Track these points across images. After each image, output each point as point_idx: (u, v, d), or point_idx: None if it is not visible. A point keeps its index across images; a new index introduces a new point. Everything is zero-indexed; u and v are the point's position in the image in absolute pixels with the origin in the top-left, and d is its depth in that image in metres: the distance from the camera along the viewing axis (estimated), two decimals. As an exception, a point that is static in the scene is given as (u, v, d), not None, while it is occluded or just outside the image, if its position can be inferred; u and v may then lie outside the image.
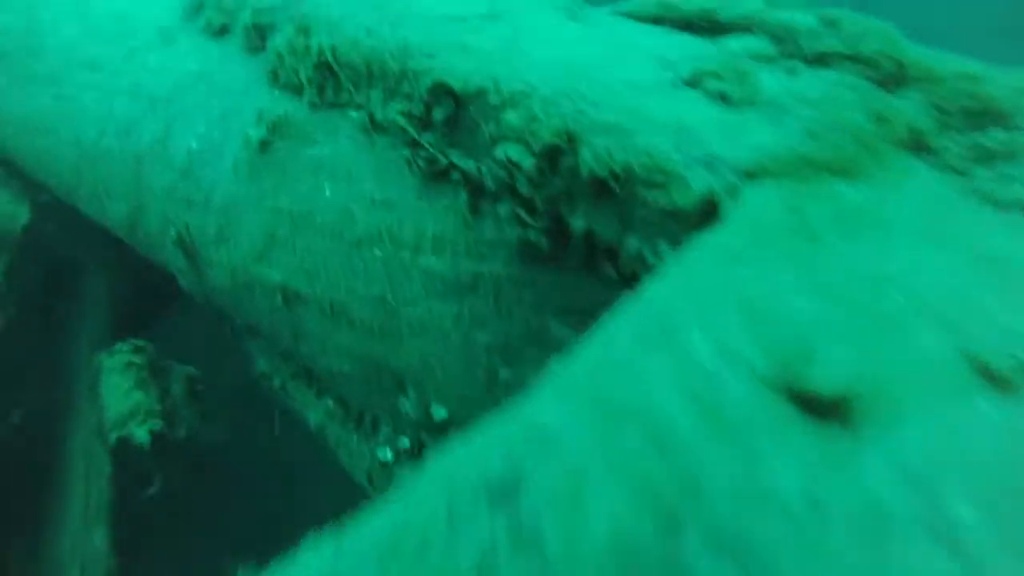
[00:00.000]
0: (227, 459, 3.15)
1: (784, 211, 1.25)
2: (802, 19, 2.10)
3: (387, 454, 2.42)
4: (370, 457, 2.45)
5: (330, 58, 2.04)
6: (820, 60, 2.01)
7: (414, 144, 1.90)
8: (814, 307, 1.03)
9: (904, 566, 0.74)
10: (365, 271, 2.05)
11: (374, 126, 2.02)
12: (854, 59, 1.94)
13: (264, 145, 2.17)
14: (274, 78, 2.22)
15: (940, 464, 0.84)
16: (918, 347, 1.01)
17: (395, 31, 1.97)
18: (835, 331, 1.00)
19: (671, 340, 1.02)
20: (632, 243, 1.57)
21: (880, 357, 0.98)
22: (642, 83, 1.71)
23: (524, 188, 1.66)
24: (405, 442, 2.35)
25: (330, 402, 2.58)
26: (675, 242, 1.51)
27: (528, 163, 1.62)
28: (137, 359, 2.86)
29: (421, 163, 1.90)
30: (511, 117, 1.65)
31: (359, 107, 2.06)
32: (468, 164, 1.83)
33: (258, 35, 2.35)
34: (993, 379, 0.97)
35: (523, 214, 1.72)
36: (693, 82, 1.73)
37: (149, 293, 3.33)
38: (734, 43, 2.04)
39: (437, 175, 1.90)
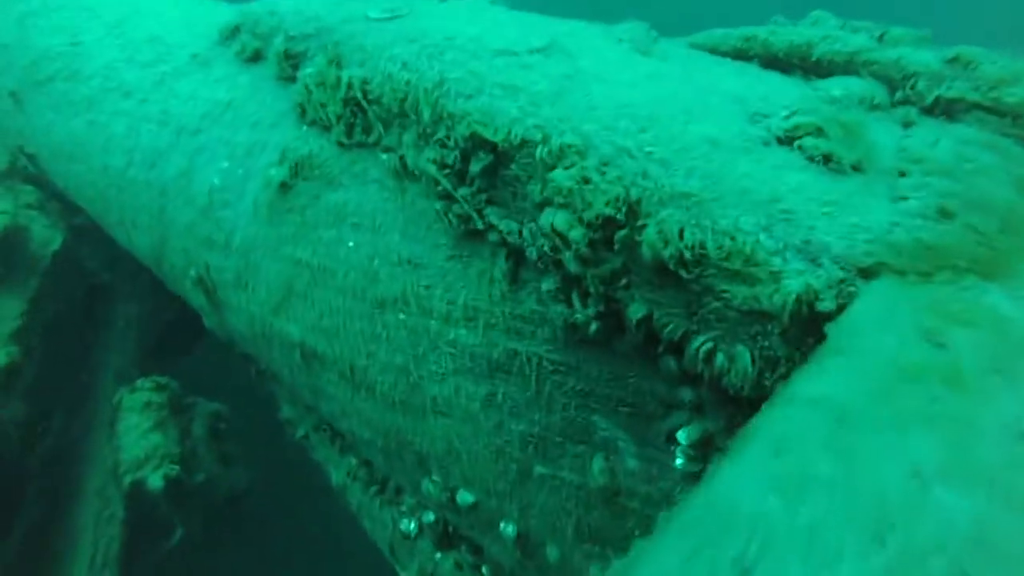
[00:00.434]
0: (249, 506, 2.96)
1: (917, 337, 0.92)
2: (919, 57, 1.74)
3: (411, 526, 2.16)
4: (392, 527, 2.20)
5: (359, 93, 1.81)
6: (945, 110, 1.65)
7: (448, 197, 1.63)
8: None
9: None
10: (388, 337, 1.79)
11: (406, 172, 1.77)
12: (991, 110, 1.57)
13: (285, 187, 1.95)
14: (302, 113, 2.00)
15: None
16: None
17: (432, 65, 1.72)
18: None
19: None
20: (702, 342, 1.25)
21: None
22: (724, 139, 1.40)
23: (572, 265, 1.37)
24: (430, 516, 2.09)
25: (353, 461, 2.34)
26: (756, 347, 1.19)
27: (578, 235, 1.33)
28: (158, 398, 2.71)
29: (454, 219, 1.63)
30: (560, 177, 1.36)
31: (390, 150, 1.81)
32: (508, 225, 1.55)
33: (290, 64, 2.14)
34: None
35: (570, 293, 1.43)
36: (788, 139, 1.40)
37: (181, 323, 3.19)
38: (836, 87, 1.69)
39: (472, 234, 1.63)
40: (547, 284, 1.48)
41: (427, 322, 1.71)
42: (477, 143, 1.53)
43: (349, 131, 1.88)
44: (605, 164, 1.35)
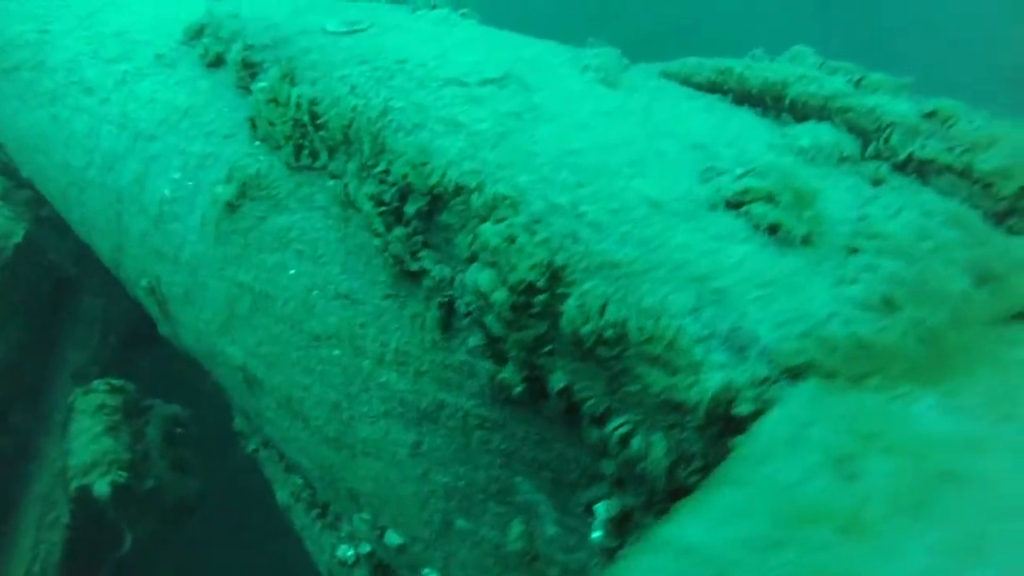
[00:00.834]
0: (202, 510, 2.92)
1: (827, 465, 0.83)
2: (896, 108, 1.62)
3: (348, 553, 2.11)
4: (331, 552, 2.15)
5: (307, 116, 1.72)
6: (917, 169, 1.54)
7: (381, 236, 1.55)
8: None
9: None
10: (322, 372, 1.73)
11: (350, 202, 1.69)
12: (963, 175, 1.47)
13: (231, 207, 1.87)
14: (253, 127, 1.92)
15: None
16: None
17: (379, 92, 1.63)
18: None
19: None
20: (620, 423, 1.18)
21: None
22: (667, 200, 1.30)
23: (495, 327, 1.29)
24: (366, 547, 2.04)
25: (299, 481, 2.29)
26: (673, 438, 1.11)
27: (501, 298, 1.25)
28: (112, 400, 2.66)
29: (390, 259, 1.55)
30: (488, 233, 1.28)
31: (336, 176, 1.73)
32: (442, 272, 1.47)
33: (248, 73, 2.05)
34: None
35: (496, 352, 1.36)
36: (737, 203, 1.31)
37: (144, 320, 3.13)
38: (805, 136, 1.59)
39: (408, 275, 1.55)
40: (474, 340, 1.40)
41: (360, 361, 1.64)
42: (413, 184, 1.45)
43: (297, 153, 1.80)
44: (536, 222, 1.27)
